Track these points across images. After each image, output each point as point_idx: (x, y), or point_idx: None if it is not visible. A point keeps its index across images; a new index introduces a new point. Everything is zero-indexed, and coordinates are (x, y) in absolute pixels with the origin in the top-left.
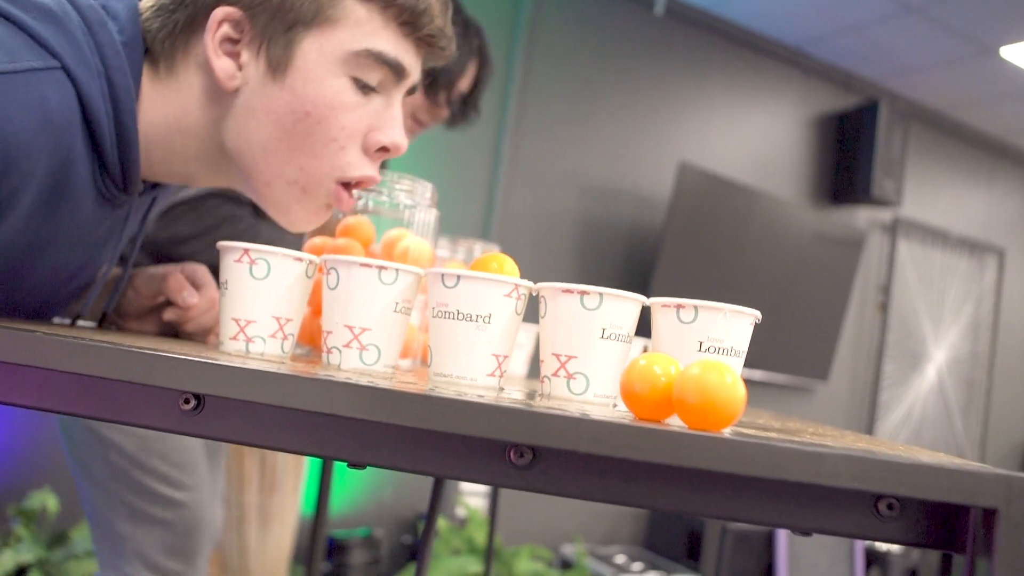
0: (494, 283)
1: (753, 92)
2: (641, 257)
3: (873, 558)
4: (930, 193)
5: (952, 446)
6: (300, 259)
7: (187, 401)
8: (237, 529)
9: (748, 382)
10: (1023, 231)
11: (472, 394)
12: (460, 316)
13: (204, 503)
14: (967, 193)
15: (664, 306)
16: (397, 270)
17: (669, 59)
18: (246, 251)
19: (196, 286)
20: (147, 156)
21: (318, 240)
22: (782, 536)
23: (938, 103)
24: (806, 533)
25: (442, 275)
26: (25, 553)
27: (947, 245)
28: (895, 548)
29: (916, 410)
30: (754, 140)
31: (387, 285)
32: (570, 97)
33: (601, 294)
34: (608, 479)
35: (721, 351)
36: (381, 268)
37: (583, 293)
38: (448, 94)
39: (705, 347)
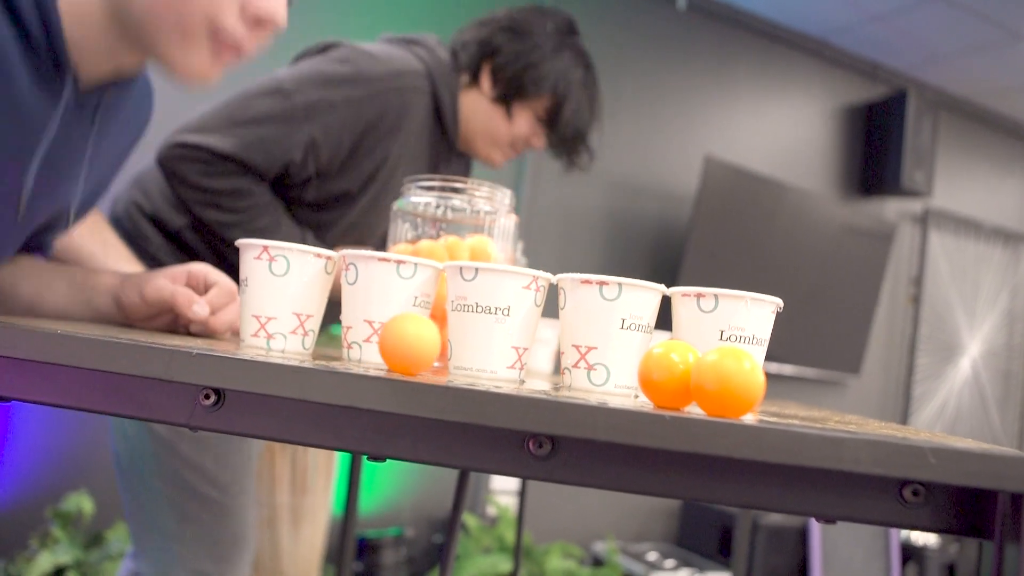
0: (513, 275)
1: (778, 85)
2: (668, 253)
3: (910, 553)
4: (962, 183)
5: (989, 439)
6: (320, 255)
7: (207, 396)
8: (269, 529)
9: (779, 377)
10: None
11: (490, 385)
12: (479, 309)
13: (248, 507)
14: (1000, 182)
15: (684, 295)
16: (415, 264)
17: (693, 53)
18: (265, 248)
19: (207, 285)
20: (68, 34)
21: (404, 247)
22: (816, 532)
23: (968, 91)
24: (831, 521)
25: (460, 268)
26: (62, 555)
27: (980, 235)
28: (932, 543)
29: (951, 403)
30: (780, 133)
31: (405, 279)
32: None
33: (620, 284)
34: (627, 468)
35: (743, 339)
36: (399, 262)
37: (602, 283)
38: (560, 137)
39: (726, 336)
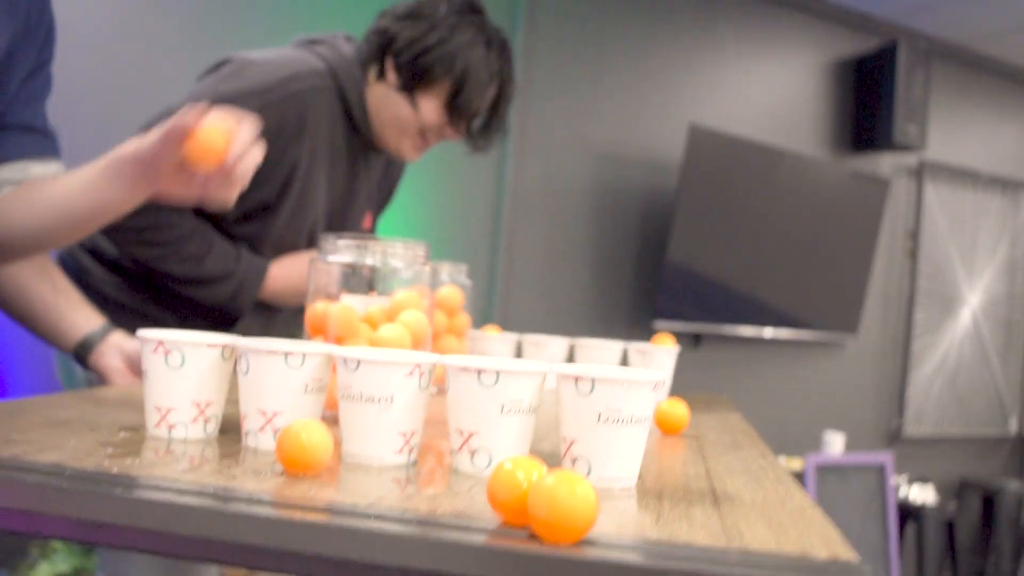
0: (394, 365)
1: (765, 43)
2: (657, 223)
3: (908, 512)
4: (957, 133)
5: (991, 390)
6: (214, 345)
7: None
8: None
9: (775, 342)
10: None
11: (359, 487)
12: (363, 398)
13: None
14: (997, 129)
15: (565, 377)
16: (304, 354)
17: (676, 17)
18: (160, 342)
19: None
20: None
21: (320, 306)
22: (811, 494)
23: (960, 36)
24: None
25: (344, 359)
26: (61, 564)
27: (977, 184)
28: (930, 501)
29: (952, 356)
30: (770, 93)
31: (295, 369)
32: (576, 63)
33: (498, 372)
34: None
35: (620, 421)
36: (287, 353)
37: (480, 371)
38: (467, 120)
39: (604, 417)
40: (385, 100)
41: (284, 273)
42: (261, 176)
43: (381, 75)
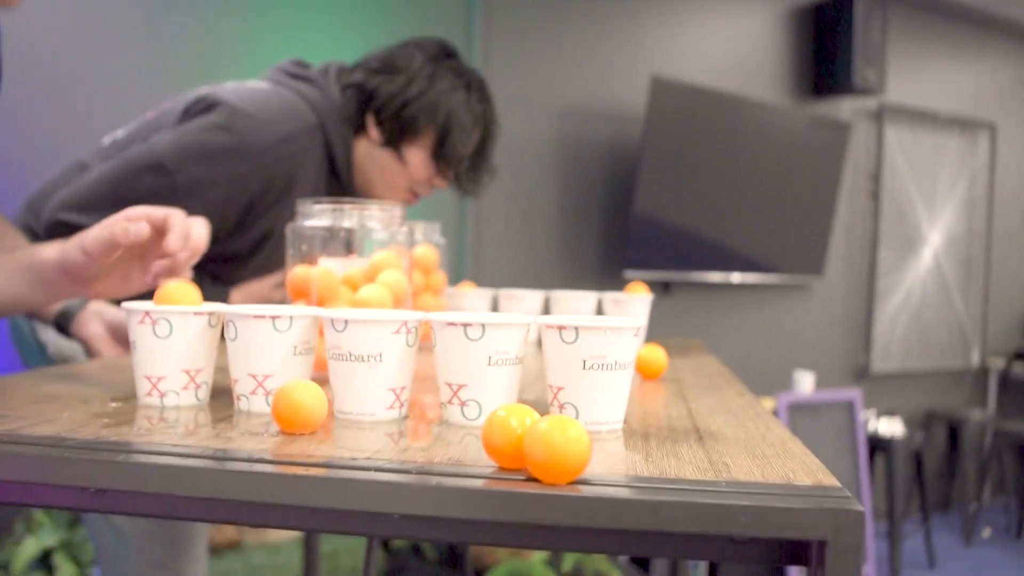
0: (381, 323)
1: None
2: (623, 175)
3: (876, 445)
4: (915, 75)
5: (954, 325)
6: (200, 313)
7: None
8: None
9: (743, 287)
10: (1015, 103)
11: (345, 456)
12: (352, 357)
13: None
14: (954, 70)
15: (548, 327)
16: (291, 317)
17: None
18: (147, 312)
19: (157, 225)
20: None
21: (300, 270)
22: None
23: None
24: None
25: (332, 319)
26: (47, 537)
27: (936, 126)
28: (898, 434)
29: (915, 294)
30: (730, 41)
31: (282, 332)
32: (536, 19)
33: (484, 324)
34: (476, 527)
35: (605, 367)
36: (275, 317)
37: (466, 325)
38: (455, 167)
39: (589, 364)
40: (371, 157)
41: (246, 301)
42: (238, 231)
43: (362, 130)
